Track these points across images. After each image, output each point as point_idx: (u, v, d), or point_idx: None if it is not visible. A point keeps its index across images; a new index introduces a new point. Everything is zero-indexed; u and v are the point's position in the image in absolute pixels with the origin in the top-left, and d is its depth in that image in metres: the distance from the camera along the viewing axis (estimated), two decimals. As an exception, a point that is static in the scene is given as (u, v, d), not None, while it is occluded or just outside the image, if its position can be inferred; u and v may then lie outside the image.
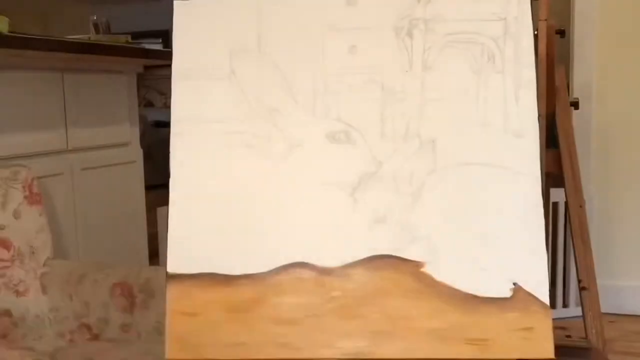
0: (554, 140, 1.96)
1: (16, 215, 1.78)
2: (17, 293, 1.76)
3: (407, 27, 1.24)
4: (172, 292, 1.20)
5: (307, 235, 1.20)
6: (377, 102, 1.24)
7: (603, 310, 1.88)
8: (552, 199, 2.38)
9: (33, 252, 1.80)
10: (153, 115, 4.66)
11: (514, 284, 1.14)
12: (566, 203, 1.97)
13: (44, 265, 1.82)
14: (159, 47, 3.38)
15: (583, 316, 1.85)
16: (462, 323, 1.14)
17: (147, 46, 2.68)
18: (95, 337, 1.75)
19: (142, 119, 3.26)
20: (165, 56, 2.28)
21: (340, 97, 1.24)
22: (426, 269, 1.17)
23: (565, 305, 2.67)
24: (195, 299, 1.20)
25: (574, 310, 2.56)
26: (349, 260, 1.18)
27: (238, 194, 1.23)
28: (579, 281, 1.88)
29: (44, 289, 1.80)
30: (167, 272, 1.22)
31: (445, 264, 1.17)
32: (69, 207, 2.15)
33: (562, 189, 1.97)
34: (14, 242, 1.76)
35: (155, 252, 2.72)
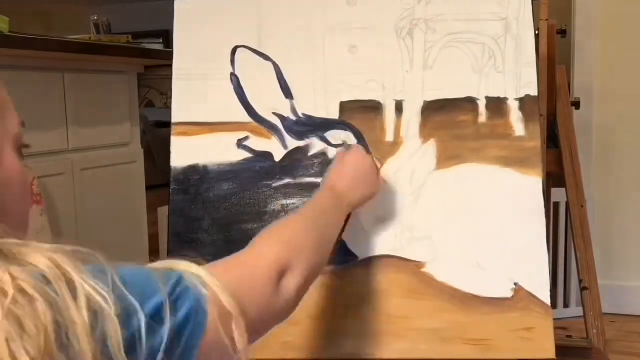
0: (555, 140, 1.96)
1: (17, 215, 1.77)
2: (18, 293, 1.75)
3: (407, 27, 1.24)
4: (173, 292, 1.20)
5: (308, 236, 1.20)
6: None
7: (604, 310, 1.88)
8: (553, 199, 2.37)
9: (33, 252, 1.80)
10: (154, 115, 4.66)
11: (515, 284, 1.14)
12: (567, 203, 1.97)
13: (45, 265, 1.82)
14: (159, 47, 3.39)
15: (584, 316, 1.84)
16: (462, 323, 1.14)
17: (147, 46, 2.68)
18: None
19: (143, 119, 3.26)
20: (166, 56, 2.27)
21: (341, 97, 1.24)
22: (427, 269, 1.17)
23: (566, 305, 2.67)
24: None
25: (575, 310, 2.56)
26: (350, 260, 1.18)
27: (238, 194, 1.23)
28: (580, 281, 1.88)
29: (45, 289, 1.79)
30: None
31: (446, 264, 1.17)
32: (70, 207, 2.15)
33: (563, 189, 1.96)
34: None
35: (156, 252, 2.72)
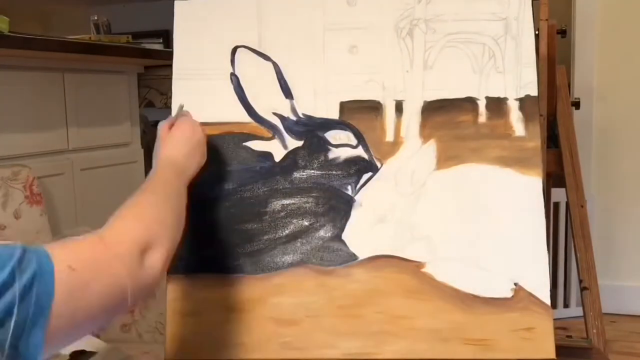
0: (555, 140, 1.96)
1: (16, 215, 1.77)
2: (18, 293, 1.75)
3: (407, 27, 1.24)
4: (172, 293, 1.20)
5: (308, 236, 1.20)
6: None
7: (604, 310, 1.88)
8: (553, 199, 2.38)
9: (33, 252, 1.80)
10: (153, 115, 4.66)
11: (515, 284, 1.14)
12: (567, 203, 1.97)
13: (45, 265, 1.81)
14: (159, 47, 3.38)
15: (584, 316, 1.84)
16: (462, 323, 1.14)
17: (147, 46, 2.68)
18: (96, 337, 1.75)
19: (143, 119, 3.26)
20: (166, 56, 2.27)
21: (341, 97, 1.24)
22: (427, 269, 1.17)
23: (566, 305, 2.67)
24: (195, 299, 1.20)
25: (575, 310, 2.56)
26: (350, 260, 1.18)
27: (238, 194, 1.23)
28: (580, 281, 1.88)
29: (45, 289, 1.79)
30: (167, 272, 1.22)
31: (446, 264, 1.17)
32: (70, 207, 2.15)
33: (563, 189, 1.97)
34: (14, 242, 1.76)
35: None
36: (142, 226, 0.90)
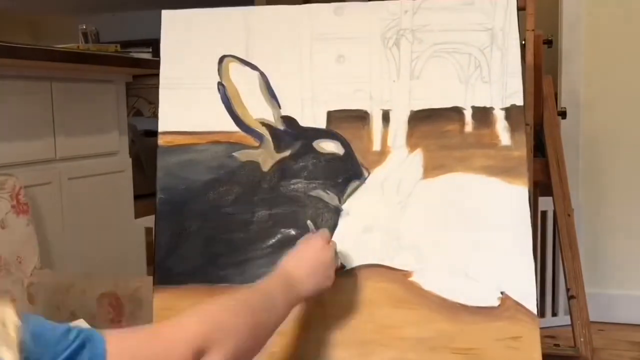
0: (542, 149, 1.97)
1: (3, 224, 1.76)
2: (4, 303, 1.74)
3: (394, 37, 1.25)
4: (159, 303, 1.20)
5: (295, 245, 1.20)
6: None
7: (591, 318, 1.89)
8: (540, 207, 2.39)
9: (20, 262, 1.79)
10: (142, 125, 4.65)
11: (502, 293, 1.14)
12: (554, 212, 1.98)
13: (31, 275, 1.80)
14: (148, 56, 3.38)
15: (572, 325, 1.85)
16: (450, 332, 1.14)
17: (135, 55, 2.68)
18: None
19: (131, 128, 3.25)
20: (154, 65, 2.27)
21: (328, 106, 1.24)
22: (414, 278, 1.17)
23: (554, 313, 2.68)
24: (183, 309, 1.18)
25: (563, 318, 2.56)
26: (337, 269, 1.18)
27: (225, 204, 1.23)
28: (568, 290, 1.89)
29: (31, 299, 1.78)
30: (153, 283, 1.22)
31: (433, 273, 1.17)
32: (57, 217, 2.14)
33: (550, 198, 1.98)
34: (1, 252, 1.75)
35: (152, 260, 2.71)
36: (206, 325, 0.81)
